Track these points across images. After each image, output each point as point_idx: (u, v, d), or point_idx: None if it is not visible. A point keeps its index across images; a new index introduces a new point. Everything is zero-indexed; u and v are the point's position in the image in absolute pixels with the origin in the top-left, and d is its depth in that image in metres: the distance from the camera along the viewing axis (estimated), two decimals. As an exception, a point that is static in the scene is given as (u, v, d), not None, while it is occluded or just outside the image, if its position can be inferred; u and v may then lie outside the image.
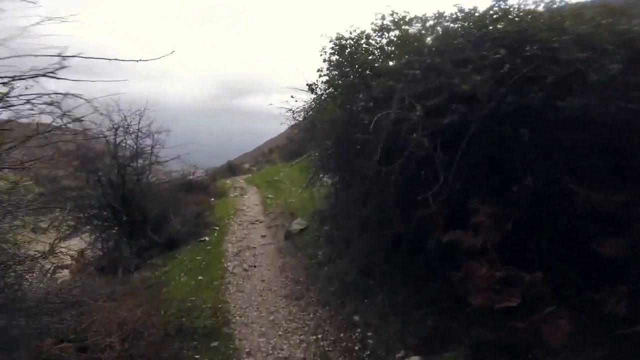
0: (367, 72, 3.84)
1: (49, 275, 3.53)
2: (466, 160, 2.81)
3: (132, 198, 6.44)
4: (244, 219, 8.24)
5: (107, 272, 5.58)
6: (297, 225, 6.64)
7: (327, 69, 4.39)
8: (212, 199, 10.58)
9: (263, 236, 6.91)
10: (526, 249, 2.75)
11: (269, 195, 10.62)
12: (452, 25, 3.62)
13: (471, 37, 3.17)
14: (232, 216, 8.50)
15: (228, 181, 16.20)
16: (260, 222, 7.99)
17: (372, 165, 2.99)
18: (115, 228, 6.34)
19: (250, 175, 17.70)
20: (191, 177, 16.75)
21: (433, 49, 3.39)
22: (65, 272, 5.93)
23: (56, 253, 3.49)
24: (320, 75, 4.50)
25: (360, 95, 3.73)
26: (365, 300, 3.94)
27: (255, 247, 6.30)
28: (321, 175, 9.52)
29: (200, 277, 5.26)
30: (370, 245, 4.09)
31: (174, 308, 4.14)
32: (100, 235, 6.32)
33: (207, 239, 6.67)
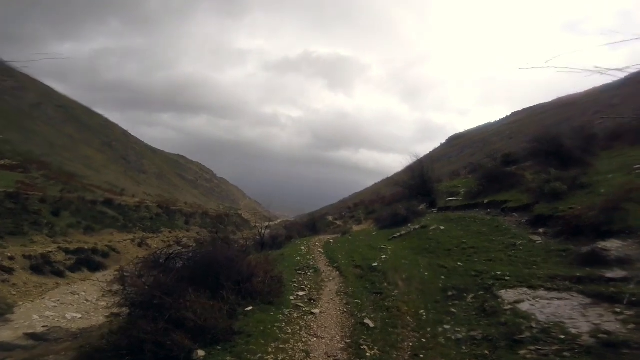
0: None
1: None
2: None
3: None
4: None
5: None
6: None
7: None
8: (250, 308, 5.02)
9: None
10: None
11: (368, 322, 4.84)
12: None
13: None
14: None
15: (303, 247, 11.06)
16: None
17: None
18: None
19: (331, 240, 12.33)
20: (263, 232, 12.62)
21: None
22: None
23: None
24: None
25: None
26: None
27: None
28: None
29: None
30: None
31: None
32: None
33: None
